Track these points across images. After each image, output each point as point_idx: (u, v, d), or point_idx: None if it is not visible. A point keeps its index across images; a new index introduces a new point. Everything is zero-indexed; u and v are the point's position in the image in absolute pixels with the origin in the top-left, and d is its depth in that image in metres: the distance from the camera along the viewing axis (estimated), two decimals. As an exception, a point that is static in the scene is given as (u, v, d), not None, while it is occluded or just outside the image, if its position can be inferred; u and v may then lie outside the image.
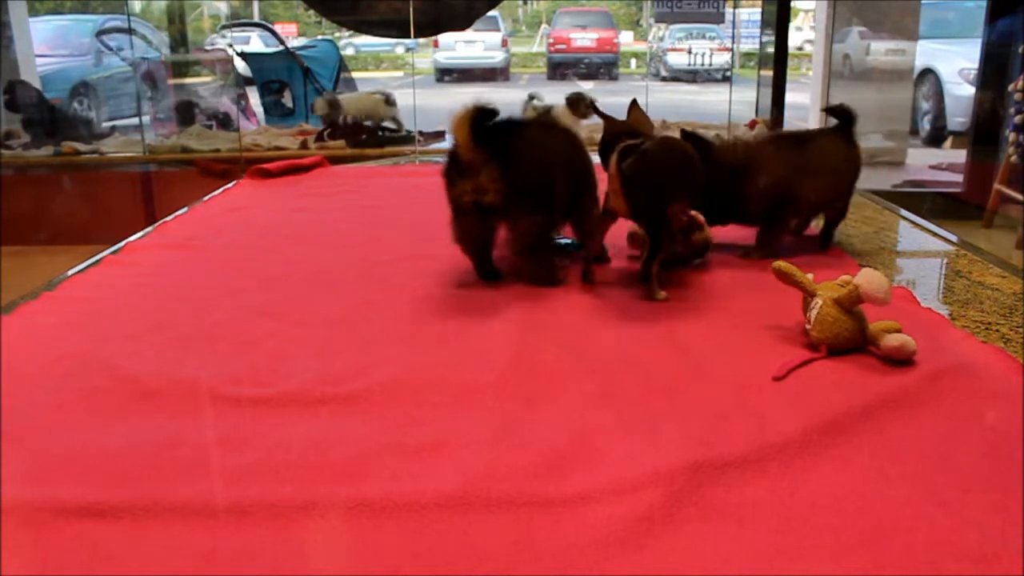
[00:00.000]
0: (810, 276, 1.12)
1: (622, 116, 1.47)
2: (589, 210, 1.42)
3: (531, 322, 1.20)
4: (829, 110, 1.58)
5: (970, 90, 5.52)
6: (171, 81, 5.64)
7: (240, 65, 5.74)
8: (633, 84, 12.19)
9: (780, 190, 1.48)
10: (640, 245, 1.46)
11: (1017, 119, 4.03)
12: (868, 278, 1.05)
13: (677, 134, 1.45)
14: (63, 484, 0.78)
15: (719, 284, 1.40)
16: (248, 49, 6.44)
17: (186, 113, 5.33)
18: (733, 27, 7.38)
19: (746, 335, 1.14)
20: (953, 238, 1.73)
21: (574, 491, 0.76)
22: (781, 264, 1.12)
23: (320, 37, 7.06)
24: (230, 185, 2.34)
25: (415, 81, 5.57)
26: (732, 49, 8.09)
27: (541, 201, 1.33)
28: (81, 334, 1.18)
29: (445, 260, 1.48)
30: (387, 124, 4.79)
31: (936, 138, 6.52)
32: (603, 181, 1.38)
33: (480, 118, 1.28)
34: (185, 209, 2.02)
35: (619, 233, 1.50)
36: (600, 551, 0.68)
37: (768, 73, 3.80)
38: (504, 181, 1.29)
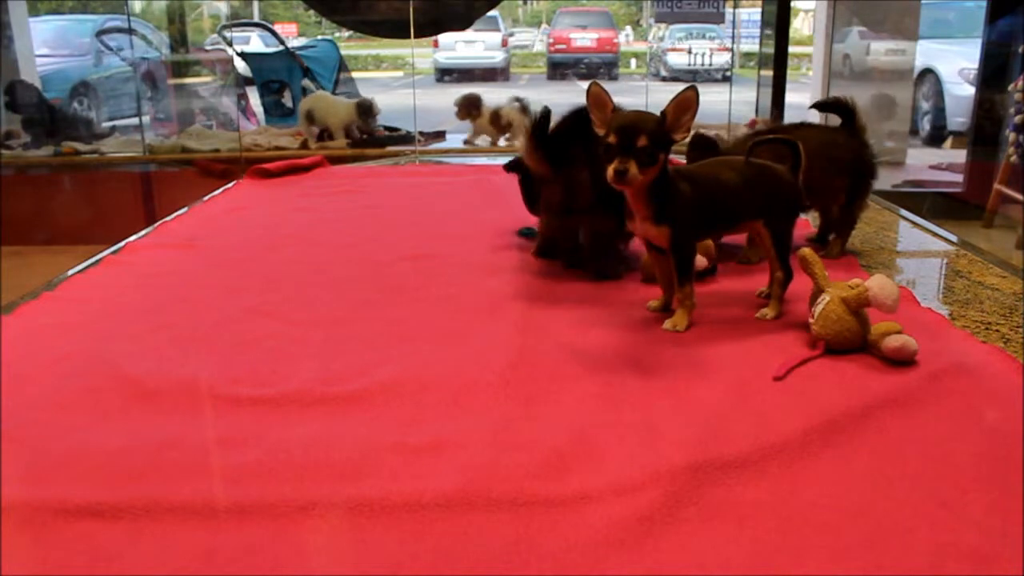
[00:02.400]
0: (826, 273, 1.13)
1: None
2: None
3: (531, 322, 1.20)
4: (821, 105, 1.55)
5: (970, 90, 5.51)
6: (171, 81, 5.64)
7: (240, 65, 5.73)
8: (633, 84, 12.17)
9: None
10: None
11: (1017, 119, 4.02)
12: (880, 283, 1.05)
13: None
14: (63, 484, 0.78)
15: (718, 285, 1.40)
16: (248, 49, 6.43)
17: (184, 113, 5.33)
18: (733, 27, 7.37)
19: (746, 335, 1.14)
20: (953, 238, 1.73)
21: (574, 491, 0.76)
22: (807, 251, 1.13)
23: (320, 37, 7.05)
24: (230, 185, 2.34)
25: (415, 81, 5.57)
26: (732, 49, 8.09)
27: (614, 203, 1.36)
28: (81, 334, 1.18)
29: (445, 260, 1.48)
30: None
31: (936, 138, 6.51)
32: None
33: (541, 133, 1.33)
34: (185, 209, 2.02)
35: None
36: (600, 551, 0.68)
37: (768, 73, 3.80)
38: (591, 186, 1.32)
